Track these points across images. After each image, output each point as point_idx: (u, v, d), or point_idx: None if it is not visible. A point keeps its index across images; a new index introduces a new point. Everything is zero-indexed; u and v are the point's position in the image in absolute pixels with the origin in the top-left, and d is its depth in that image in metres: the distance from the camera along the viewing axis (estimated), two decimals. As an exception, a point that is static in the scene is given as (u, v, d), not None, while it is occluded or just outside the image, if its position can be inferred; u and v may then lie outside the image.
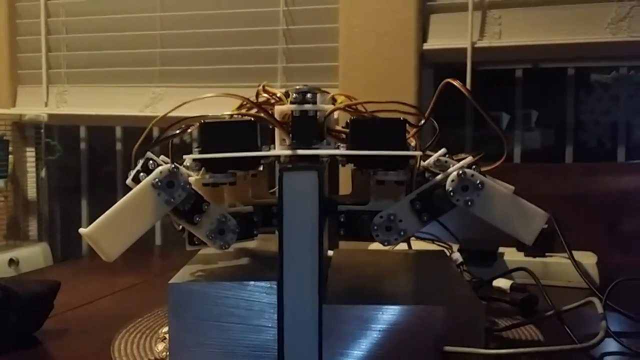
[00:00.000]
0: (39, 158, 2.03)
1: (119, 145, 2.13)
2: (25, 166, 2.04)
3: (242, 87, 1.72)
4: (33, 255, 1.85)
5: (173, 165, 0.62)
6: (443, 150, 0.71)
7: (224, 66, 1.85)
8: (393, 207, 0.65)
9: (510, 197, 0.66)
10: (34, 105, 2.04)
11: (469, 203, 0.64)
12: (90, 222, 0.60)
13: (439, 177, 0.65)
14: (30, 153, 2.04)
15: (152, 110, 1.89)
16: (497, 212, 0.65)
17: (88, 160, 2.17)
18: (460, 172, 0.64)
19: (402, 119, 0.65)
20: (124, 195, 0.62)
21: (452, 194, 0.64)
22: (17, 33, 2.08)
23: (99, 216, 0.61)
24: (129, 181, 0.65)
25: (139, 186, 0.62)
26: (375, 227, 0.65)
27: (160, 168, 0.62)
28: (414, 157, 0.65)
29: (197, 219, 0.63)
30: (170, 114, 0.69)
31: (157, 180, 0.61)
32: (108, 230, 0.60)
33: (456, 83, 0.68)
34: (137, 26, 1.94)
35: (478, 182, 0.64)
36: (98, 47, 1.99)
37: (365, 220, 0.66)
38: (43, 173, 2.04)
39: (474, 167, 0.66)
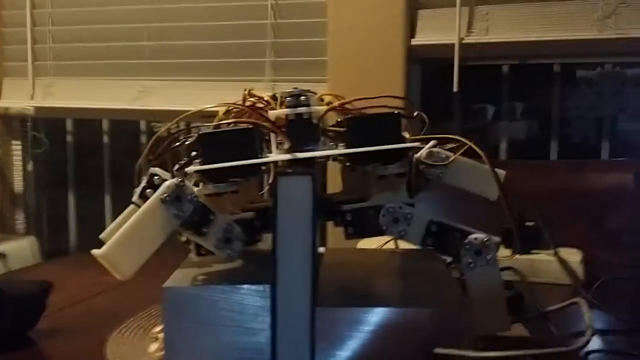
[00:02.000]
0: (26, 151, 2.03)
1: (105, 138, 2.12)
2: (12, 159, 2.03)
3: (230, 81, 1.75)
4: (21, 248, 1.85)
5: (179, 179, 0.62)
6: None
7: (212, 60, 1.84)
8: (392, 199, 0.68)
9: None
10: (20, 98, 2.02)
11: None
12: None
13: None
14: (17, 146, 2.04)
15: (140, 104, 1.88)
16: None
17: (75, 153, 2.16)
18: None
19: (396, 112, 0.66)
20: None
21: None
22: (2, 24, 2.06)
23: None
24: (135, 198, 0.66)
25: (148, 203, 0.62)
26: (385, 227, 0.67)
27: (167, 183, 0.62)
28: (411, 148, 0.67)
29: (205, 229, 0.64)
30: (163, 108, 0.70)
31: (165, 195, 0.62)
32: (122, 250, 0.61)
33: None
34: (125, 18, 1.93)
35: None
36: (85, 39, 1.97)
37: (371, 216, 0.67)
38: (30, 166, 2.03)
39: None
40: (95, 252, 0.60)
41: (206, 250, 0.67)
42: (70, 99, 1.98)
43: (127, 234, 0.61)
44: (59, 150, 2.15)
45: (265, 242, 0.66)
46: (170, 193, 0.62)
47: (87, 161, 2.18)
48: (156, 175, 0.66)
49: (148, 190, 0.65)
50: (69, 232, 2.10)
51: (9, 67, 2.07)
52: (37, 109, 1.97)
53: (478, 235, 0.67)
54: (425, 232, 0.69)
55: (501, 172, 0.75)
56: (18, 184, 2.04)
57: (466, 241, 0.67)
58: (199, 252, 0.69)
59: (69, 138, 2.15)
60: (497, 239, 0.69)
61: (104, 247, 0.60)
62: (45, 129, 2.12)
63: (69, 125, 2.15)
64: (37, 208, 2.14)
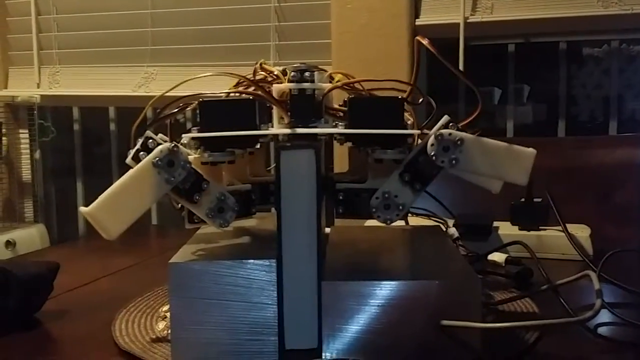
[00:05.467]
0: (33, 139, 2.04)
1: (112, 126, 2.12)
2: (19, 148, 2.04)
3: (235, 65, 1.74)
4: (30, 236, 1.86)
5: (173, 144, 0.62)
6: (445, 117, 0.68)
7: (216, 45, 1.84)
8: (385, 184, 0.65)
9: (493, 144, 0.64)
10: (26, 86, 2.03)
11: (454, 162, 0.63)
12: (86, 202, 0.60)
13: (420, 143, 0.65)
14: (24, 135, 2.04)
15: (145, 90, 1.89)
16: (484, 163, 0.64)
17: (82, 141, 2.17)
18: (437, 134, 0.63)
19: (400, 97, 0.65)
20: (119, 175, 0.62)
21: (434, 157, 0.63)
22: (6, 14, 2.06)
23: (95, 197, 0.61)
24: (128, 160, 0.65)
25: (139, 165, 0.62)
26: (374, 209, 0.65)
27: (160, 147, 0.62)
28: (411, 135, 0.65)
29: (197, 197, 0.64)
30: (166, 93, 0.69)
31: (157, 159, 0.61)
32: (109, 209, 0.60)
33: (424, 42, 0.67)
34: (128, 5, 1.92)
35: (457, 139, 0.63)
36: (89, 27, 1.97)
37: (363, 199, 0.66)
38: (37, 154, 2.04)
39: (450, 125, 0.64)
40: (82, 209, 0.59)
41: (199, 218, 0.66)
42: (76, 86, 1.99)
43: (116, 194, 0.61)
44: (66, 139, 2.15)
45: (272, 219, 0.65)
46: (163, 157, 0.61)
47: (94, 149, 2.18)
48: (151, 138, 0.65)
49: (141, 153, 0.64)
50: (77, 220, 2.11)
51: (15, 56, 2.07)
52: (44, 97, 1.98)
53: (430, 140, 0.63)
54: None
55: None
56: (26, 173, 2.05)
57: (431, 154, 0.63)
58: (192, 220, 0.69)
59: (76, 126, 2.15)
60: (440, 122, 0.64)
61: (91, 205, 0.60)
62: (52, 117, 2.13)
63: (76, 113, 2.15)
64: (45, 196, 2.15)
